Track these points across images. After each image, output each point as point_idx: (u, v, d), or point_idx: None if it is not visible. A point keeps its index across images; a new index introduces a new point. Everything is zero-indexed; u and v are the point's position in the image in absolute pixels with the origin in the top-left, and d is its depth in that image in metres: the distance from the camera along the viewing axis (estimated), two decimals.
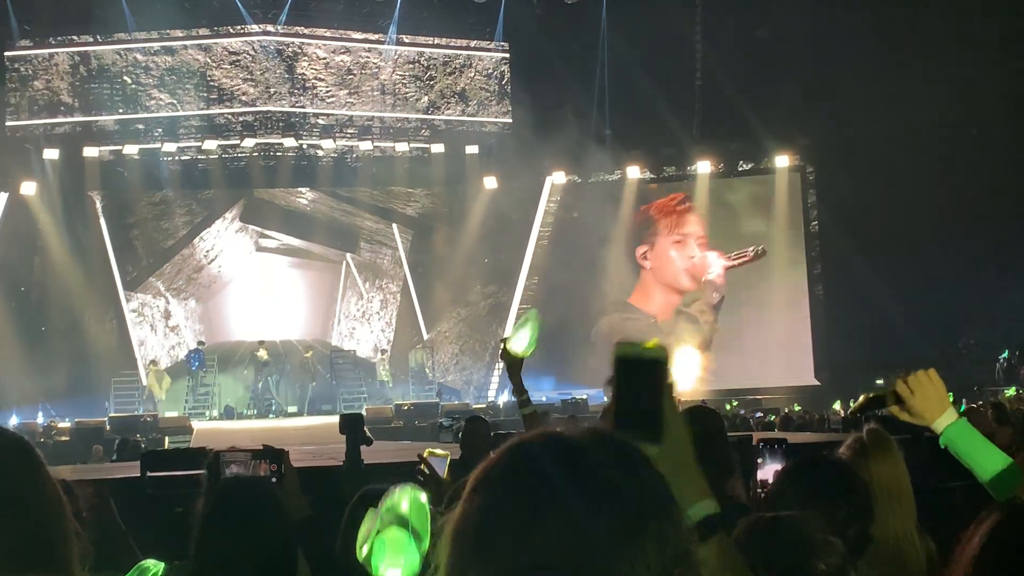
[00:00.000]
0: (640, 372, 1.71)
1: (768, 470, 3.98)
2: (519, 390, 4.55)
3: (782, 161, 29.27)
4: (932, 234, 26.26)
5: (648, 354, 1.72)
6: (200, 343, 27.81)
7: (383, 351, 29.39)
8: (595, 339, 28.50)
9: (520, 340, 4.46)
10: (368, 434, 9.45)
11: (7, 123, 27.74)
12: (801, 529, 2.63)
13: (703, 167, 29.44)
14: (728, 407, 25.49)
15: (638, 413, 1.69)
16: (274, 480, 3.68)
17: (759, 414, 23.66)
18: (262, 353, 27.15)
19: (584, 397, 24.86)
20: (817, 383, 28.11)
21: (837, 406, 24.01)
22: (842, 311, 27.73)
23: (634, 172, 29.86)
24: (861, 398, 2.90)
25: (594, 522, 1.29)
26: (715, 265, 28.94)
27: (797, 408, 23.99)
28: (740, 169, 30.05)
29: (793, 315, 29.05)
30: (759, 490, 3.97)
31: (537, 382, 28.61)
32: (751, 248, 29.16)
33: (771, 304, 29.10)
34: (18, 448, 2.14)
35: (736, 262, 29.05)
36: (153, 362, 27.76)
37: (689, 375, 27.56)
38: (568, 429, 1.41)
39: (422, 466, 4.15)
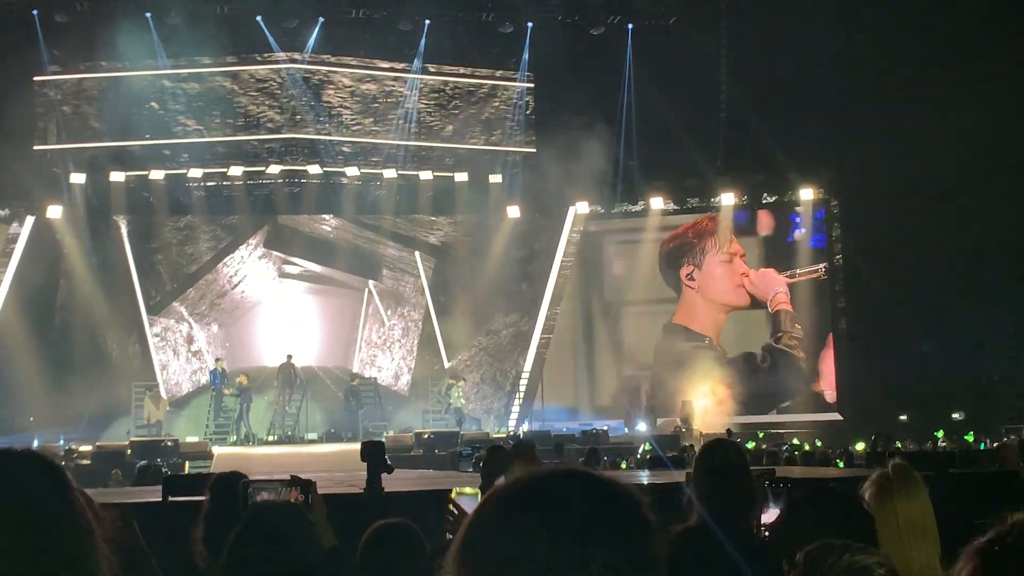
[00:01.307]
0: None
1: (772, 513, 3.96)
2: None
3: (806, 194, 29.23)
4: (957, 268, 26.13)
5: None
6: (217, 359, 27.85)
7: (462, 378, 28.89)
8: (655, 367, 28.63)
9: None
10: (389, 462, 9.45)
11: (35, 147, 27.97)
12: (864, 561, 2.63)
13: (727, 199, 29.44)
14: (752, 443, 25.41)
15: None
16: None
17: (785, 447, 23.56)
18: (242, 379, 27.16)
19: (605, 428, 24.78)
20: (840, 417, 27.94)
21: (860, 447, 23.88)
22: (866, 345, 27.60)
23: (657, 203, 29.89)
24: None
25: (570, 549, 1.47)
26: (777, 283, 28.87)
27: (819, 443, 23.84)
28: (764, 201, 30.00)
29: (816, 349, 28.91)
30: (763, 530, 3.94)
31: (557, 412, 28.59)
32: (823, 265, 29.09)
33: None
34: (47, 471, 2.16)
35: (801, 279, 28.95)
36: (149, 388, 27.78)
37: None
38: (539, 470, 1.59)
39: (450, 506, 4.14)
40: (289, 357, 27.83)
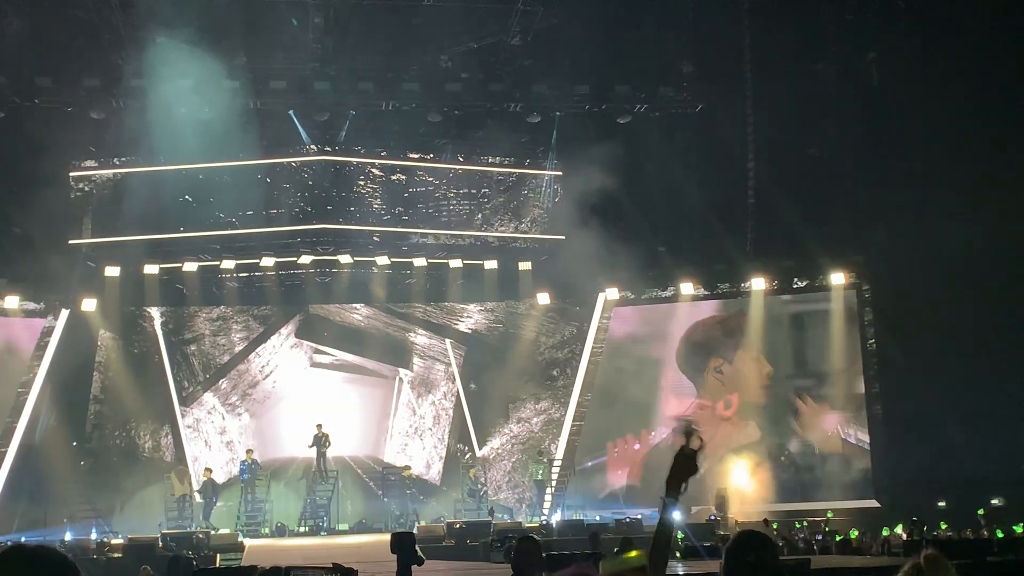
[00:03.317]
0: None
1: None
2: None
3: (837, 279, 29.09)
4: (992, 353, 25.88)
5: (630, 563, 1.78)
6: (248, 451, 27.81)
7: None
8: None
9: None
10: (420, 553, 9.37)
11: (70, 241, 28.33)
12: None
13: (757, 284, 29.36)
14: (798, 524, 25.18)
15: None
16: None
17: (820, 536, 23.26)
18: (207, 473, 27.08)
19: (639, 517, 24.50)
20: (877, 505, 27.53)
21: (899, 530, 23.50)
22: (901, 431, 27.27)
23: (687, 288, 29.84)
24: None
25: None
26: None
27: (853, 533, 23.49)
28: (795, 286, 29.91)
29: (851, 435, 28.60)
30: None
31: (591, 500, 28.31)
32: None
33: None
34: (61, 568, 2.18)
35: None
36: (181, 468, 27.85)
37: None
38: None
39: None
40: (319, 426, 27.78)
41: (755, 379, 29.17)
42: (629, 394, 29.42)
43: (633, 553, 1.66)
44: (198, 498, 26.84)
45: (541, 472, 28.34)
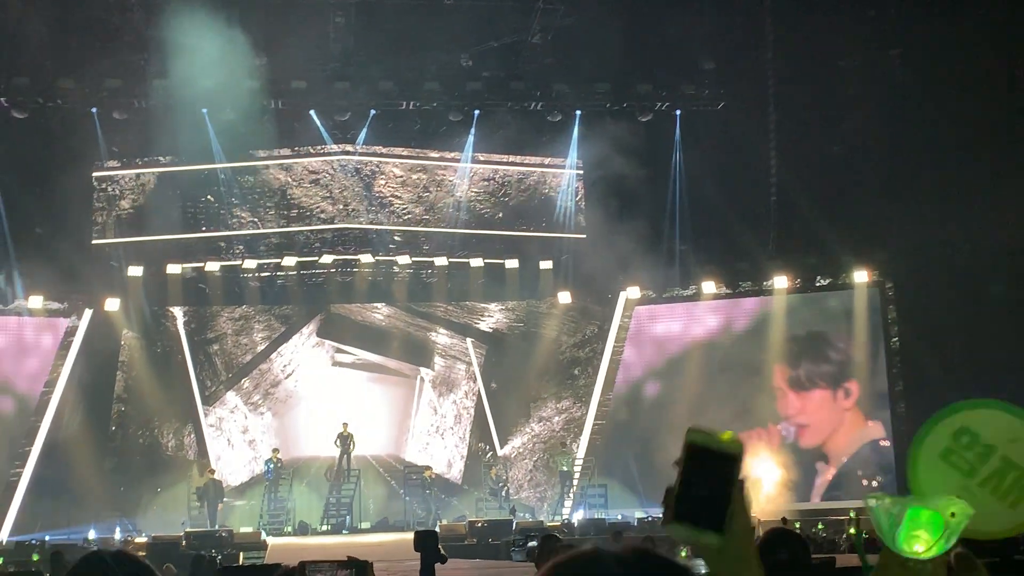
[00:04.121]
0: (711, 462, 1.72)
1: None
2: None
3: (860, 276, 28.91)
4: (1017, 350, 25.68)
5: (722, 446, 1.73)
6: (274, 450, 27.90)
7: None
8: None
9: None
10: (442, 551, 9.38)
11: (93, 241, 28.49)
12: None
13: (779, 282, 29.21)
14: (817, 527, 25.07)
15: (704, 502, 1.71)
16: None
17: (845, 535, 23.16)
18: (209, 473, 27.12)
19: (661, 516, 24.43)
20: None
21: None
22: None
23: (709, 287, 29.72)
24: None
25: None
26: None
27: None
28: (817, 284, 29.74)
29: (875, 433, 28.45)
30: None
31: (613, 499, 28.23)
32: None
33: (853, 422, 28.60)
34: (140, 573, 2.23)
35: None
36: (203, 462, 28.08)
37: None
38: (613, 546, 1.51)
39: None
40: (345, 425, 27.86)
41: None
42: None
43: (728, 435, 1.60)
44: (212, 474, 27.06)
45: (566, 464, 28.41)
